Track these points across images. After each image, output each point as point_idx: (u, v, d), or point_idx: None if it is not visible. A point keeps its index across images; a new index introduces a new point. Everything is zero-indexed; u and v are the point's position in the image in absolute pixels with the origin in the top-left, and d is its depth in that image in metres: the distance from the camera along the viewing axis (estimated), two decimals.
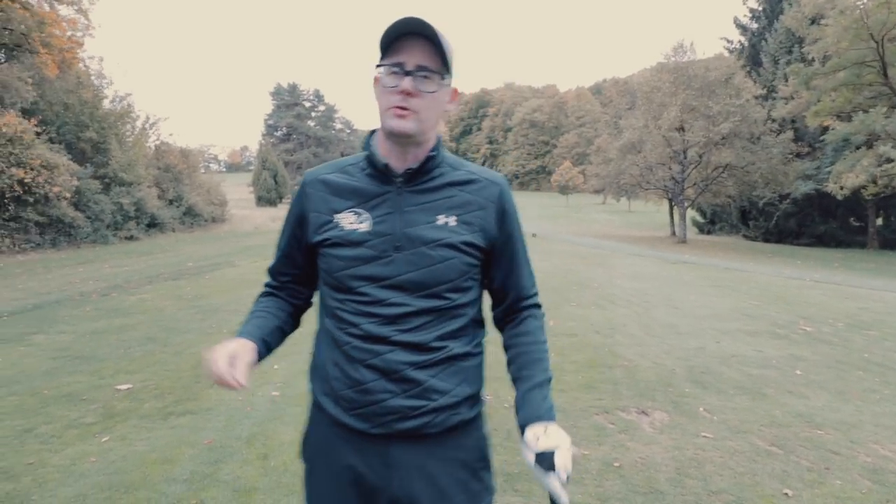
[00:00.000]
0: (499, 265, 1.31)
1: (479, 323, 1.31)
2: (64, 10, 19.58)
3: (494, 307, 1.37)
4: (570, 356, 5.42)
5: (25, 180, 15.09)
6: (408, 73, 1.15)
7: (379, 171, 1.23)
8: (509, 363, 1.30)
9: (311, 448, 1.30)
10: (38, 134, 16.00)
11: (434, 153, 1.23)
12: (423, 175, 1.23)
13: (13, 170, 14.77)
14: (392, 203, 1.21)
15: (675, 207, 30.25)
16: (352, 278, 1.19)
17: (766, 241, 29.64)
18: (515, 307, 1.35)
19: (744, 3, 32.89)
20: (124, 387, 4.38)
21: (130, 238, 20.29)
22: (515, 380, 1.26)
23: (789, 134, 26.13)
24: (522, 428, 1.16)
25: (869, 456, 3.33)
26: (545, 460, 1.09)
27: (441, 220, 1.21)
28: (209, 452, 3.21)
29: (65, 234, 17.35)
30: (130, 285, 9.76)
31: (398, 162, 1.22)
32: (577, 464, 3.14)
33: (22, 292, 9.07)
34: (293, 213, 1.31)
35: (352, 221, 1.21)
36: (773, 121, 26.32)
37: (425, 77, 1.16)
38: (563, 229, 34.15)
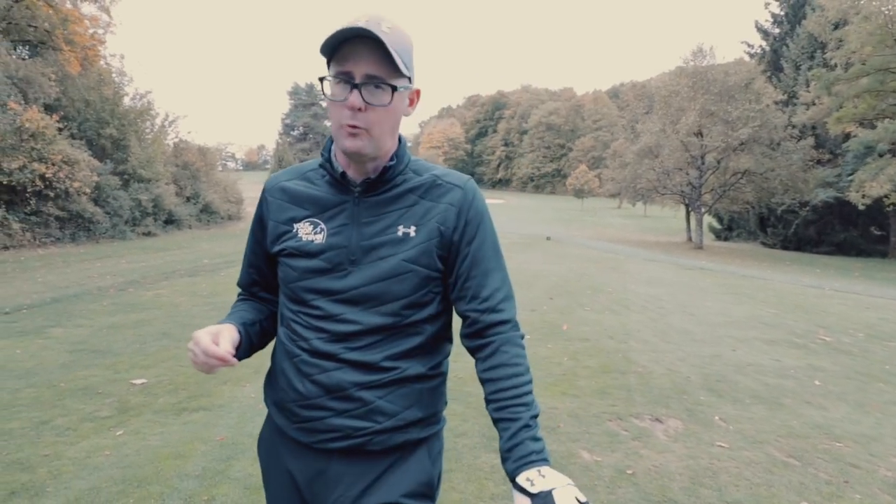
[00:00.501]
0: (459, 272, 1.17)
1: (441, 341, 1.22)
2: (86, 8, 19.89)
3: (462, 325, 1.21)
4: (583, 361, 5.37)
5: (47, 175, 15.31)
6: (356, 86, 1.05)
7: (336, 180, 1.17)
8: (487, 401, 1.13)
9: (263, 451, 1.29)
10: (59, 130, 16.23)
11: (392, 162, 1.15)
12: (382, 184, 1.15)
13: (35, 165, 15.00)
14: (349, 214, 1.15)
15: (692, 213, 29.95)
16: (305, 291, 1.14)
17: (785, 248, 29.25)
18: (483, 326, 1.16)
19: (765, 8, 32.52)
20: (139, 381, 4.42)
21: (148, 234, 20.52)
22: (496, 421, 1.10)
23: (810, 140, 25.78)
24: (513, 477, 1.02)
25: (889, 470, 3.26)
26: (543, 502, 0.96)
27: (400, 230, 1.13)
28: (221, 449, 3.23)
29: (84, 229, 17.59)
30: (147, 281, 9.86)
31: (356, 171, 1.15)
32: (590, 470, 3.11)
33: (42, 286, 9.21)
34: (255, 220, 1.27)
35: (308, 232, 1.16)
36: (794, 127, 25.98)
37: (376, 87, 1.06)
38: (578, 233, 33.97)
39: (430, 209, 1.15)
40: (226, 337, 1.13)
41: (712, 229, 36.09)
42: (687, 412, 4.10)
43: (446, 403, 1.28)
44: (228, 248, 16.75)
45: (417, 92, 1.18)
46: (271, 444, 1.24)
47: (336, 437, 1.12)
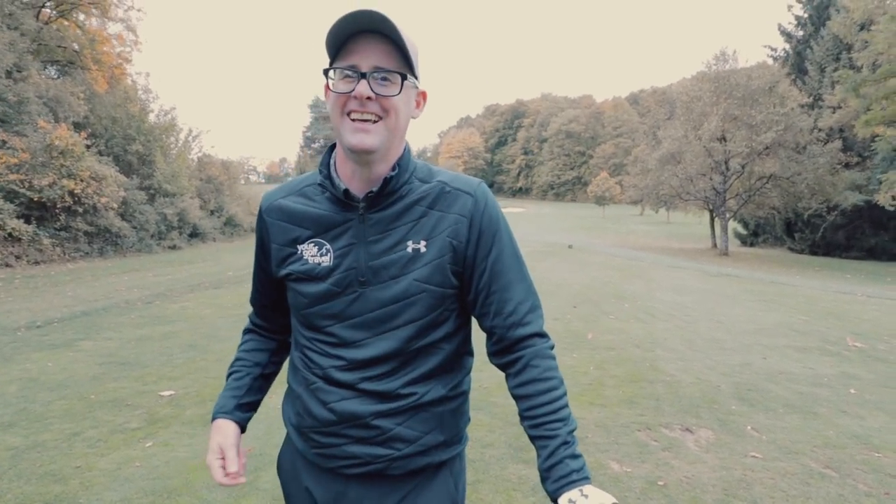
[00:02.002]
0: (479, 288, 1.11)
1: (461, 357, 1.17)
2: (113, 28, 20.46)
3: (487, 341, 1.16)
4: (610, 370, 5.30)
5: (75, 191, 15.69)
6: (363, 76, 1.00)
7: (338, 197, 1.10)
8: (522, 418, 1.09)
9: (283, 471, 1.26)
10: (87, 147, 16.65)
11: (394, 173, 1.07)
12: (385, 198, 1.08)
13: (64, 181, 15.39)
14: (355, 232, 1.08)
15: (717, 219, 29.51)
16: (317, 317, 1.10)
17: (813, 253, 28.63)
18: (511, 342, 1.11)
19: (788, 10, 32.11)
20: (167, 393, 4.47)
21: (173, 247, 20.88)
22: (533, 438, 1.06)
23: (837, 143, 25.27)
24: (554, 499, 1.00)
25: None
26: None
27: (410, 247, 1.07)
28: (249, 460, 3.24)
29: (112, 244, 17.97)
30: (173, 293, 10.01)
31: (360, 185, 1.08)
32: (620, 482, 3.05)
33: (71, 299, 9.41)
34: (256, 244, 1.22)
35: (314, 254, 1.10)
36: (820, 130, 25.48)
37: (384, 79, 1.01)
38: (600, 241, 33.68)
39: (440, 220, 1.08)
40: (230, 455, 1.17)
41: (738, 235, 35.51)
42: (718, 422, 4.00)
43: (468, 420, 1.23)
44: (251, 260, 16.91)
45: (424, 94, 1.13)
46: (291, 464, 1.22)
47: (355, 464, 1.10)
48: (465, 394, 1.19)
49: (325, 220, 1.10)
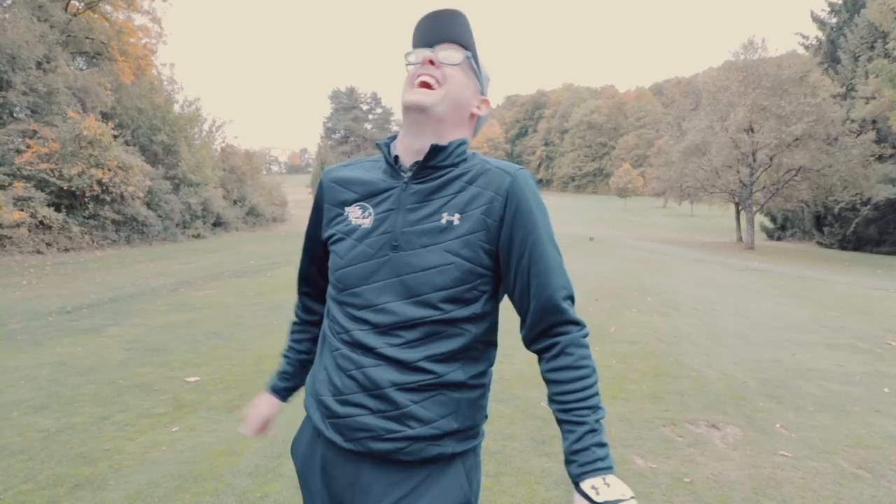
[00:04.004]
0: (513, 272, 1.12)
1: (486, 346, 1.16)
2: (139, 20, 20.71)
3: (521, 327, 1.16)
4: (633, 364, 5.23)
5: (103, 180, 16.00)
6: (430, 48, 1.15)
7: (390, 166, 1.17)
8: (551, 400, 1.10)
9: (298, 456, 1.26)
10: (115, 137, 16.95)
11: (444, 145, 1.13)
12: (431, 170, 1.13)
13: (92, 170, 15.69)
14: (396, 199, 1.13)
15: (743, 212, 28.95)
16: (349, 277, 1.13)
17: (843, 248, 27.91)
18: (546, 327, 1.11)
19: None
20: (192, 379, 4.53)
21: (197, 236, 21.19)
22: (561, 422, 1.08)
23: (871, 135, 24.47)
24: (577, 482, 1.02)
25: None
26: None
27: (444, 218, 1.09)
28: (272, 447, 3.26)
29: (138, 232, 18.30)
30: (197, 281, 10.16)
31: (409, 157, 1.16)
32: (646, 477, 3.01)
33: (100, 286, 9.60)
34: (313, 206, 1.30)
35: (357, 216, 1.16)
36: (853, 121, 24.74)
37: (447, 51, 1.14)
38: (622, 233, 33.32)
39: (476, 196, 1.10)
40: (256, 413, 1.45)
41: (764, 229, 34.80)
42: (745, 419, 3.92)
43: (486, 417, 1.20)
44: (273, 249, 17.12)
45: (486, 101, 1.23)
46: (307, 447, 1.22)
47: (369, 437, 1.08)
48: (485, 386, 1.18)
49: (372, 186, 1.17)
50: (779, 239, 33.85)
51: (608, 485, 0.99)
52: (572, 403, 1.06)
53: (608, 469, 1.01)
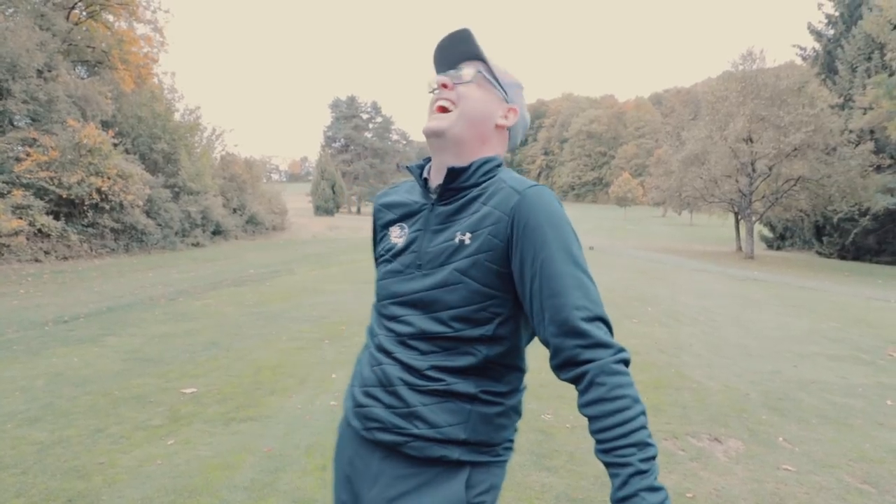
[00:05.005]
0: (528, 295, 1.06)
1: (504, 370, 1.12)
2: (141, 29, 20.79)
3: (550, 356, 1.08)
4: (635, 376, 5.09)
5: (102, 189, 15.96)
6: (444, 73, 1.19)
7: (421, 186, 1.24)
8: (594, 441, 1.01)
9: (338, 440, 1.30)
10: (114, 145, 16.94)
11: (463, 167, 1.15)
12: (453, 191, 1.15)
13: (92, 178, 15.66)
14: (424, 220, 1.18)
15: (742, 221, 28.94)
16: (381, 289, 1.21)
17: (842, 258, 27.90)
18: (569, 355, 1.02)
19: (819, 9, 31.35)
20: (189, 390, 4.48)
21: (196, 245, 21.14)
22: (606, 465, 0.97)
23: (869, 145, 24.52)
24: None
25: None
26: None
27: (458, 237, 1.10)
28: (269, 461, 3.22)
29: (137, 240, 18.26)
30: (196, 290, 10.12)
31: (437, 176, 1.20)
32: None
33: (98, 295, 9.56)
34: (372, 230, 1.38)
35: (395, 235, 1.22)
36: (851, 131, 24.81)
37: (458, 70, 1.17)
38: (622, 243, 33.30)
39: (487, 216, 1.09)
40: None
41: (764, 238, 34.80)
42: (748, 432, 3.88)
43: (507, 439, 1.16)
44: (273, 258, 17.09)
45: (514, 110, 1.22)
46: (341, 432, 1.29)
47: (378, 428, 1.13)
48: (502, 405, 1.13)
49: (408, 208, 1.23)
50: (778, 248, 33.83)
51: None
52: (612, 442, 0.95)
53: None
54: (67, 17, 17.79)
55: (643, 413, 0.97)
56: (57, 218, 15.34)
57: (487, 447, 1.12)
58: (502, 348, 1.11)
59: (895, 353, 6.41)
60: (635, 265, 18.08)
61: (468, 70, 1.17)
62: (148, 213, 18.75)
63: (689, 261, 22.28)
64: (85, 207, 16.19)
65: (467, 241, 1.09)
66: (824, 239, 29.56)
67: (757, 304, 10.13)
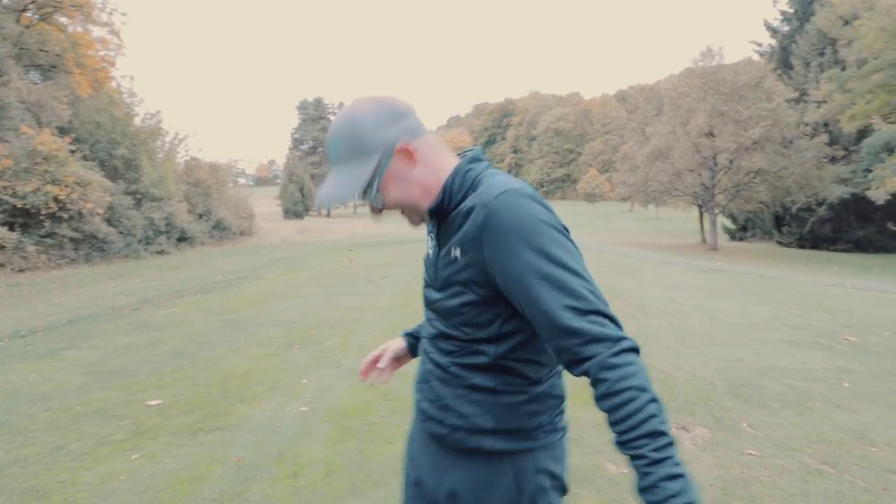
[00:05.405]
0: (520, 304, 1.07)
1: (518, 363, 1.16)
2: (97, 31, 20.22)
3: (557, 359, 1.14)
4: None
5: (60, 197, 15.48)
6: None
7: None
8: (610, 429, 1.02)
9: (411, 424, 1.42)
10: (71, 152, 16.43)
11: (436, 203, 1.19)
12: (444, 216, 1.22)
13: (48, 187, 15.18)
14: (435, 236, 1.26)
15: (706, 214, 29.66)
16: (424, 297, 1.32)
17: (801, 247, 28.86)
18: (570, 356, 1.02)
19: (774, 6, 32.39)
20: (154, 402, 4.38)
21: (161, 252, 20.67)
22: (628, 458, 0.99)
23: (823, 137, 25.44)
24: None
25: None
26: None
27: (452, 253, 1.16)
28: (238, 470, 3.16)
29: (98, 250, 17.75)
30: (161, 299, 9.88)
31: None
32: (617, 483, 3.01)
33: (57, 307, 9.26)
34: None
35: (428, 247, 1.31)
36: (806, 124, 25.67)
37: (369, 195, 1.18)
38: (591, 238, 33.75)
39: (466, 232, 1.12)
40: (388, 352, 1.52)
41: (726, 230, 35.74)
42: (713, 419, 3.97)
43: (543, 424, 1.20)
44: (241, 263, 16.81)
45: (404, 150, 1.15)
46: (412, 419, 1.39)
47: (424, 419, 1.27)
48: (527, 393, 1.17)
49: (430, 223, 1.29)
50: (740, 239, 34.79)
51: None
52: (625, 435, 0.96)
53: (682, 495, 0.90)
54: (18, 20, 17.19)
55: (652, 401, 0.96)
56: (12, 229, 14.82)
57: (523, 434, 1.17)
58: (512, 343, 1.15)
59: (851, 337, 6.64)
60: (604, 260, 18.35)
61: (370, 190, 1.17)
62: (109, 222, 18.25)
63: (655, 254, 22.72)
64: (42, 217, 15.67)
65: (459, 256, 1.14)
66: (784, 229, 30.52)
67: (721, 295, 10.38)
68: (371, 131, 1.13)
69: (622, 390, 0.96)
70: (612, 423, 0.98)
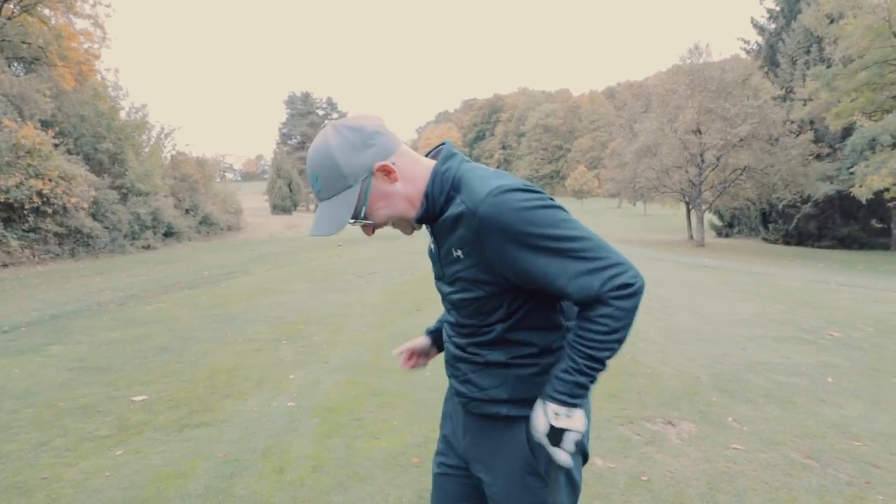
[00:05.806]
0: (530, 285, 1.21)
1: (523, 331, 1.27)
2: (80, 23, 19.90)
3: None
4: None
5: (44, 191, 15.23)
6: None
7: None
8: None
9: (447, 390, 1.56)
10: (56, 145, 16.16)
11: (421, 211, 1.26)
12: (434, 219, 1.28)
13: (32, 181, 14.93)
14: (432, 233, 1.33)
15: (693, 210, 29.88)
16: (436, 287, 1.43)
17: (787, 243, 29.17)
18: (581, 309, 1.20)
19: (761, 3, 32.54)
20: (139, 398, 4.33)
21: (147, 247, 20.44)
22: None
23: (809, 135, 25.70)
24: (543, 399, 1.20)
25: None
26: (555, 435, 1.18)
27: (454, 252, 1.25)
28: (224, 466, 3.14)
29: (83, 245, 17.52)
30: (147, 294, 9.78)
31: None
32: (604, 478, 3.02)
33: (41, 303, 9.14)
34: None
35: (430, 239, 1.36)
36: (792, 122, 25.91)
37: (353, 221, 1.25)
38: None
39: (463, 235, 1.20)
40: (408, 344, 1.65)
41: (713, 226, 36.03)
42: (699, 414, 4.00)
43: None
44: (228, 258, 16.68)
45: (382, 167, 1.20)
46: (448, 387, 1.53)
47: (454, 393, 1.42)
48: (537, 365, 1.28)
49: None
50: (727, 236, 35.10)
51: (569, 417, 1.16)
52: (575, 342, 1.17)
53: (573, 407, 1.16)
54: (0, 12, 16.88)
55: (615, 339, 1.16)
56: None
57: (530, 401, 1.27)
58: (519, 316, 1.26)
59: (836, 332, 6.72)
60: None
61: (360, 217, 1.24)
62: (94, 216, 18.00)
63: (643, 250, 22.84)
64: (25, 211, 15.42)
65: (462, 256, 1.23)
66: (770, 226, 30.82)
67: (708, 291, 10.47)
68: (348, 162, 1.18)
69: (598, 319, 1.14)
70: (574, 334, 1.18)
